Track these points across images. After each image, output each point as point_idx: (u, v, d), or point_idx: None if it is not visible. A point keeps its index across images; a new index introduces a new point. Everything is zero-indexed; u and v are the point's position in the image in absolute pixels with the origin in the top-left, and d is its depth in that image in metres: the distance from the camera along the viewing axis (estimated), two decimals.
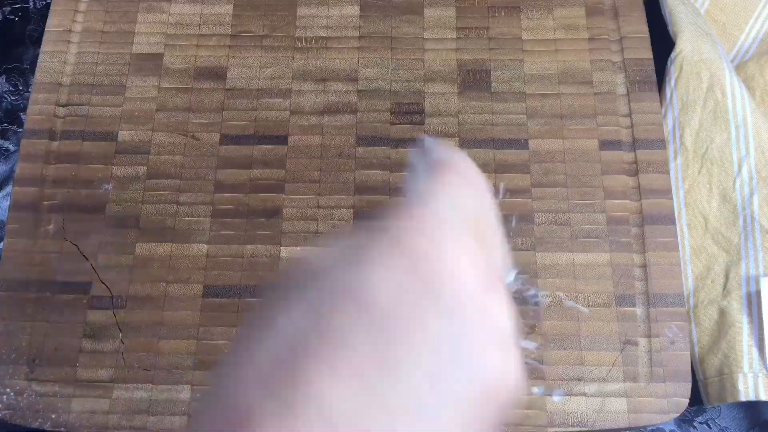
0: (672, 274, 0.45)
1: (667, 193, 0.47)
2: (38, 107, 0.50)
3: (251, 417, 0.16)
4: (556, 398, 0.43)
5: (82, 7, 0.53)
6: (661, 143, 0.48)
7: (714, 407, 0.47)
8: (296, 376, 0.17)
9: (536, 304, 0.45)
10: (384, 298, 0.18)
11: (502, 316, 0.19)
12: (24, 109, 0.54)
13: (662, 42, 0.51)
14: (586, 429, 0.43)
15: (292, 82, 0.51)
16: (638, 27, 0.52)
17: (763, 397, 0.42)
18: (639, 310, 0.45)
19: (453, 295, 0.18)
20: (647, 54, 0.51)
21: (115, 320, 0.45)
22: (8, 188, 0.52)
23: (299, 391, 0.17)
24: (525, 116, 0.49)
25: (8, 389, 0.44)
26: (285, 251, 0.46)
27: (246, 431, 0.16)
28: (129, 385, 0.44)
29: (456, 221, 0.19)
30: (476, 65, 0.51)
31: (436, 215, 0.19)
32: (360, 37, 0.52)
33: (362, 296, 0.18)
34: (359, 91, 0.50)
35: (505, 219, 0.47)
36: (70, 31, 0.52)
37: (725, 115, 0.47)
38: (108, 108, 0.50)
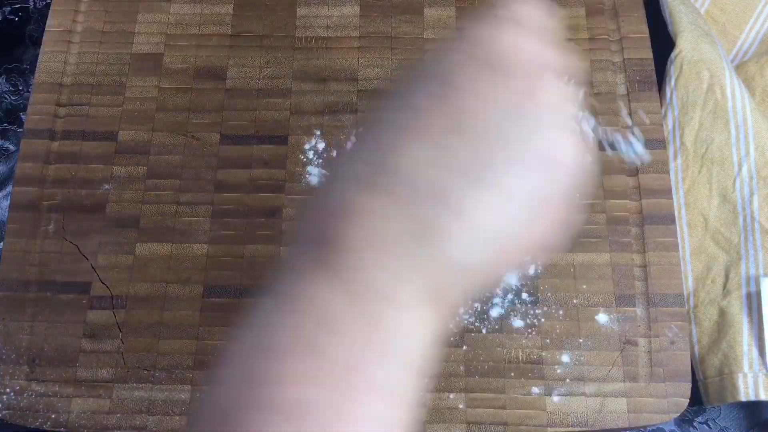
0: (672, 274, 0.45)
1: (667, 193, 0.47)
2: (38, 107, 0.50)
3: (351, 206, 0.21)
4: (556, 398, 0.43)
5: (82, 7, 0.53)
6: (661, 143, 0.48)
7: (714, 407, 0.47)
8: (378, 145, 0.22)
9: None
10: (451, 73, 0.22)
11: (558, 98, 0.22)
12: (24, 109, 0.54)
13: (662, 42, 0.51)
14: (586, 429, 0.43)
15: (292, 82, 0.51)
16: (638, 27, 0.52)
17: (763, 397, 0.42)
18: (639, 310, 0.45)
19: (513, 71, 0.21)
20: (647, 54, 0.51)
21: (115, 320, 0.45)
22: (8, 188, 0.52)
23: (379, 154, 0.21)
24: None
25: (8, 389, 0.44)
26: (285, 251, 0.46)
27: (347, 218, 0.21)
28: (129, 385, 0.44)
29: (524, 20, 0.23)
30: None
31: (503, 16, 0.23)
32: (360, 37, 0.52)
33: (437, 75, 0.22)
34: (359, 91, 0.50)
35: None
36: (70, 31, 0.52)
37: (725, 115, 0.47)
38: (108, 108, 0.50)
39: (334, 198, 0.22)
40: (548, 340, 0.44)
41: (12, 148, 0.54)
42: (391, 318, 0.20)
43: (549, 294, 0.45)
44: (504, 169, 0.21)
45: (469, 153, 0.21)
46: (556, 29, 0.24)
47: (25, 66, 0.56)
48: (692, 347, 0.46)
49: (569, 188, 0.22)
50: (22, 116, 0.54)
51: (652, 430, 0.46)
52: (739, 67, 0.52)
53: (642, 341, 0.44)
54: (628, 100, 0.50)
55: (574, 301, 0.45)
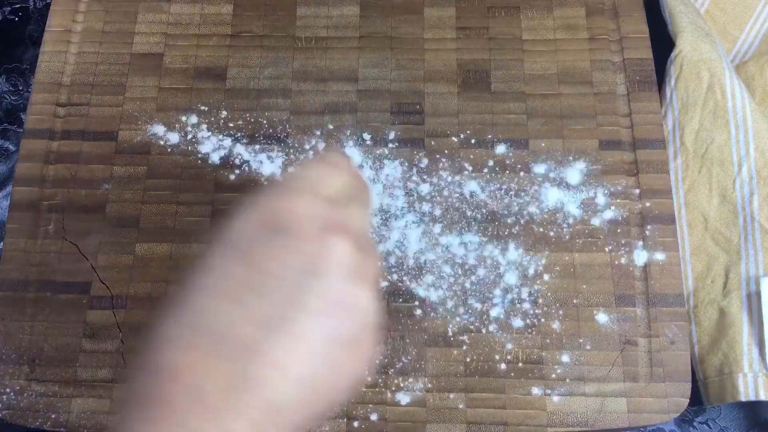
0: (672, 274, 0.45)
1: (667, 193, 0.47)
2: (38, 107, 0.50)
3: (173, 366, 0.23)
4: (556, 398, 0.43)
5: (82, 7, 0.53)
6: (661, 143, 0.48)
7: (714, 407, 0.47)
8: (193, 309, 0.25)
9: None
10: (246, 241, 0.25)
11: (344, 250, 0.25)
12: (24, 109, 0.54)
13: (662, 42, 0.51)
14: (586, 429, 0.43)
15: (292, 82, 0.51)
16: (638, 27, 0.52)
17: (763, 397, 0.42)
18: (639, 310, 0.45)
19: (298, 234, 0.25)
20: (647, 54, 0.51)
21: (115, 320, 0.45)
22: (8, 188, 0.52)
23: (194, 317, 0.24)
24: (525, 116, 0.49)
25: (8, 389, 0.44)
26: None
27: (164, 358, 0.24)
28: (129, 385, 0.44)
29: (308, 187, 0.27)
30: (476, 65, 0.51)
31: (290, 184, 0.28)
32: (360, 37, 0.52)
33: (232, 240, 0.26)
34: (359, 91, 0.50)
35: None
36: (70, 31, 0.52)
37: (725, 115, 0.47)
38: (108, 108, 0.50)
39: (157, 359, 0.24)
40: (548, 340, 0.44)
41: (12, 148, 0.54)
42: None
43: (549, 294, 0.45)
44: (303, 319, 0.24)
45: (271, 308, 0.24)
46: (344, 187, 0.28)
47: (25, 66, 0.56)
48: (692, 347, 0.46)
49: (366, 328, 0.26)
50: (22, 116, 0.54)
51: (652, 430, 0.46)
52: (739, 67, 0.52)
53: (642, 341, 0.44)
54: (628, 100, 0.50)
55: (574, 301, 0.45)
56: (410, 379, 0.44)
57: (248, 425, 0.23)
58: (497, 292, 0.45)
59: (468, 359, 0.44)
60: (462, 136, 0.49)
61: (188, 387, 0.23)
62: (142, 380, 0.24)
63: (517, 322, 0.45)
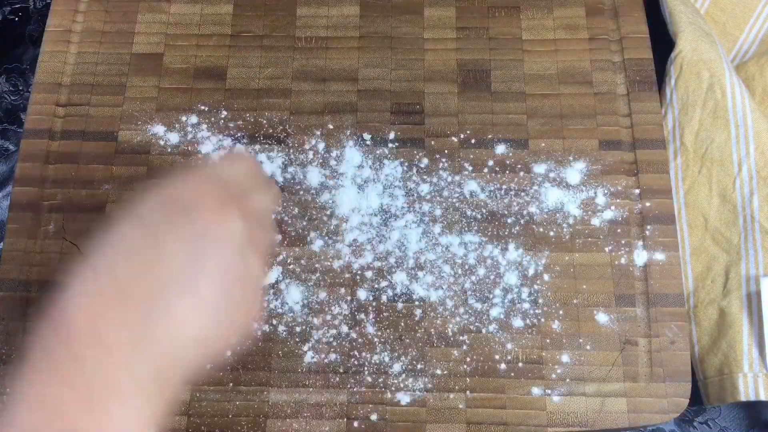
0: (672, 274, 0.45)
1: (667, 193, 0.47)
2: (38, 107, 0.50)
3: (74, 300, 0.26)
4: (556, 398, 0.43)
5: (82, 7, 0.53)
6: (661, 143, 0.48)
7: (714, 407, 0.47)
8: (96, 265, 0.27)
9: None
10: (150, 211, 0.29)
11: (236, 223, 0.29)
12: (24, 109, 0.54)
13: (662, 42, 0.51)
14: (586, 429, 0.43)
15: (292, 82, 0.51)
16: (638, 27, 0.52)
17: (763, 397, 0.42)
18: (639, 310, 0.45)
19: (196, 208, 0.29)
20: (647, 54, 0.51)
21: None
22: (8, 188, 0.52)
23: (98, 272, 0.27)
24: (525, 116, 0.49)
25: (8, 389, 0.43)
26: (284, 252, 0.46)
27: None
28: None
29: (213, 174, 0.32)
30: (476, 65, 0.51)
31: (198, 171, 0.33)
32: (360, 37, 0.52)
33: (137, 210, 0.29)
34: (359, 91, 0.50)
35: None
36: (70, 31, 0.52)
37: (725, 115, 0.47)
38: (108, 108, 0.50)
39: (63, 313, 0.26)
40: (548, 340, 0.44)
41: (12, 148, 0.54)
42: (115, 408, 0.25)
43: (549, 294, 0.45)
44: (199, 280, 0.27)
45: (170, 269, 0.27)
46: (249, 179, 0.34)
47: (25, 66, 0.56)
48: (692, 347, 0.46)
49: (254, 290, 0.30)
50: (22, 116, 0.54)
51: (652, 430, 0.46)
52: (739, 67, 0.52)
53: (642, 341, 0.44)
54: (628, 100, 0.50)
55: (574, 301, 0.45)
56: (410, 379, 0.44)
57: (152, 371, 0.26)
58: (497, 292, 0.45)
59: (468, 359, 0.44)
60: (462, 136, 0.49)
61: (94, 338, 0.25)
62: (48, 333, 0.26)
63: (517, 322, 0.45)
